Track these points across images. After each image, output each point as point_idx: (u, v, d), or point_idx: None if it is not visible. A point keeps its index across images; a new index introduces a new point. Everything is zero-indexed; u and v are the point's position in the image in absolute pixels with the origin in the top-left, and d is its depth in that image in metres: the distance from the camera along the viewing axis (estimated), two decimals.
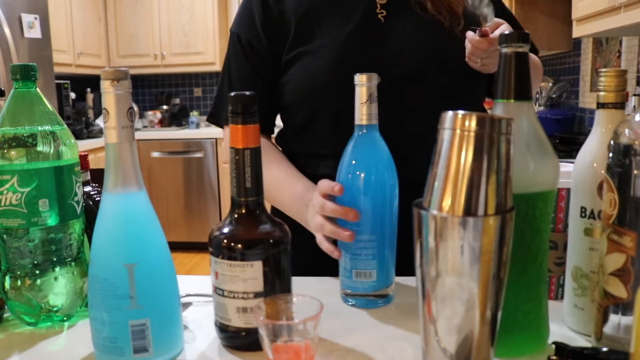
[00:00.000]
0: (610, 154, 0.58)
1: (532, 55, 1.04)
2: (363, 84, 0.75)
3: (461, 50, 0.89)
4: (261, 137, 0.89)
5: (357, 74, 0.75)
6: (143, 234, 0.62)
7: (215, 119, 1.08)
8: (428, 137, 0.93)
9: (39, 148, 0.71)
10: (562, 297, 0.75)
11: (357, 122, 0.76)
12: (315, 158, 1.00)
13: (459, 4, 0.96)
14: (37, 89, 0.73)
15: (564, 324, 0.69)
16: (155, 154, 4.39)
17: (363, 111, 0.76)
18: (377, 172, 0.75)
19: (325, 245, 0.79)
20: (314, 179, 0.88)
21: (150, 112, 4.85)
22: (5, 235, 0.71)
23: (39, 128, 0.71)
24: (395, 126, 0.94)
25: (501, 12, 1.03)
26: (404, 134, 0.93)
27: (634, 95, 2.20)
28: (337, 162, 0.80)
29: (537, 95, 3.37)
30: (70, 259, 0.74)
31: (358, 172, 0.75)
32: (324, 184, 0.78)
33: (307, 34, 0.98)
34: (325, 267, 0.93)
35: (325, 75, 0.94)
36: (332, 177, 0.80)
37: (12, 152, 0.70)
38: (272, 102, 1.04)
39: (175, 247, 4.11)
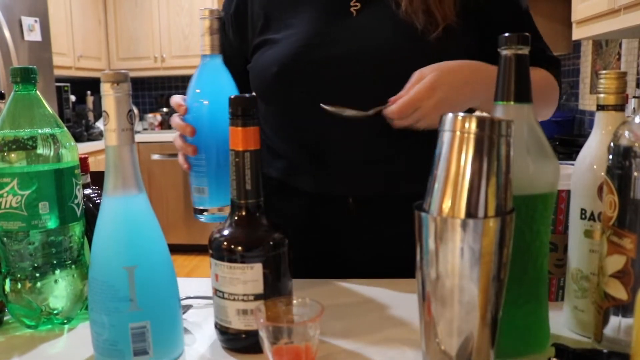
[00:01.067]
0: (610, 156, 0.58)
1: (544, 74, 0.97)
2: (206, 18, 0.80)
3: (430, 57, 0.83)
4: None
5: (201, 9, 0.81)
6: (143, 237, 0.62)
7: None
8: (385, 139, 0.92)
9: (39, 151, 0.71)
10: (562, 299, 0.75)
11: (201, 52, 0.82)
12: (270, 151, 0.99)
13: (437, 8, 0.88)
14: (37, 91, 0.73)
15: (564, 325, 0.69)
16: (155, 157, 4.39)
17: (206, 42, 0.81)
18: (213, 95, 0.80)
19: (180, 159, 0.87)
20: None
21: (150, 115, 4.86)
22: (5, 238, 0.71)
23: (39, 131, 0.71)
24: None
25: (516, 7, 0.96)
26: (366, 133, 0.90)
27: (634, 97, 2.20)
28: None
29: None
30: (70, 262, 0.74)
31: (198, 96, 0.81)
32: (175, 98, 0.84)
33: (277, 23, 0.94)
34: (326, 269, 0.93)
35: (275, 67, 0.91)
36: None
37: (12, 155, 0.70)
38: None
39: (175, 249, 4.08)
